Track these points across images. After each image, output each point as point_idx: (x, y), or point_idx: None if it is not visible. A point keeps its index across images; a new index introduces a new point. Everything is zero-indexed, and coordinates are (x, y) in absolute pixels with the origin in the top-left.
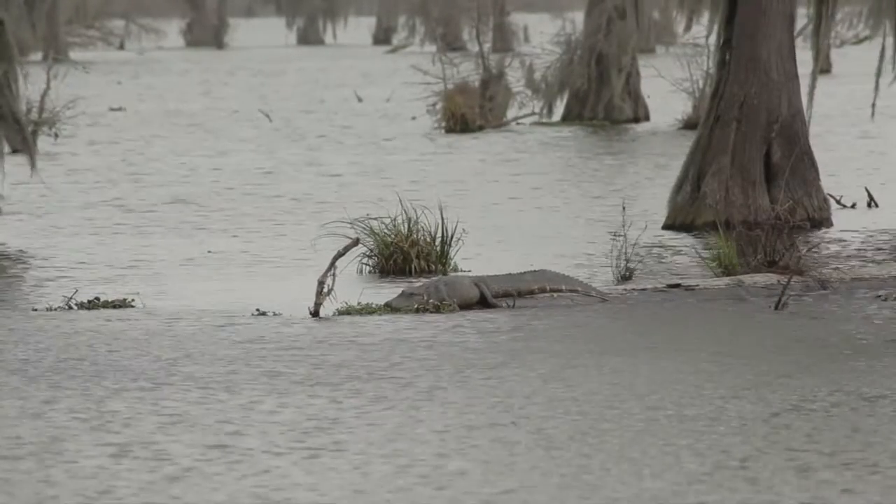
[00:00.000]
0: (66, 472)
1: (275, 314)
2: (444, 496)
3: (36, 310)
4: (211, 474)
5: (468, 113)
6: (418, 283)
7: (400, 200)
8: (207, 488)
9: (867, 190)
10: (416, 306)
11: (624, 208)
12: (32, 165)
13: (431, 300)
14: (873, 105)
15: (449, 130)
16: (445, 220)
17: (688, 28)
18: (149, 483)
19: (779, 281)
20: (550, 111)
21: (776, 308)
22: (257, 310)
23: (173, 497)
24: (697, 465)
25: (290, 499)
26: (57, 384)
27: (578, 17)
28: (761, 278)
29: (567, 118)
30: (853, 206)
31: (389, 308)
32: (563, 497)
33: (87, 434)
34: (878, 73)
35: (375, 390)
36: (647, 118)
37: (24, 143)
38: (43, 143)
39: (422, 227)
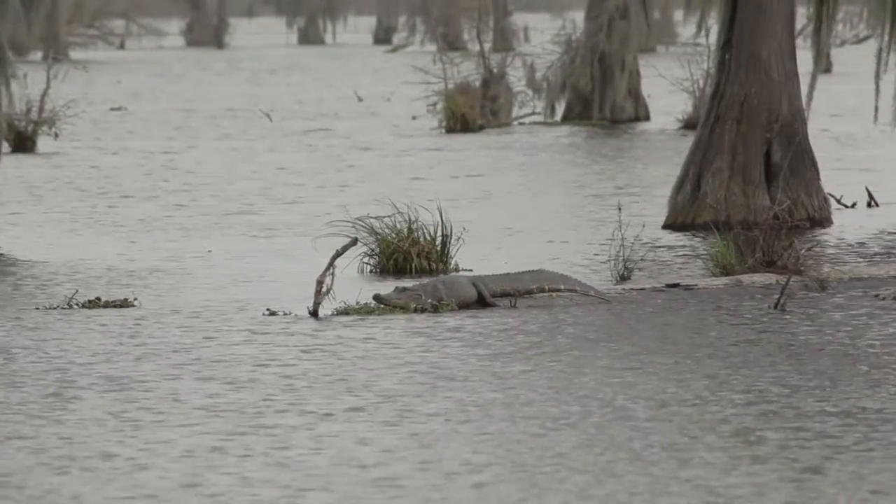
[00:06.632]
0: None
1: (284, 314)
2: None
3: (38, 309)
4: None
5: (469, 113)
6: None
7: (404, 200)
8: None
9: (867, 190)
10: (413, 306)
11: (619, 209)
12: None
13: (430, 300)
14: (876, 108)
15: (449, 130)
16: (446, 220)
17: (707, 33)
18: None
19: (777, 281)
20: (553, 111)
21: (775, 308)
22: (267, 310)
23: None
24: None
25: None
26: None
27: (579, 16)
28: (760, 278)
29: (568, 118)
30: (853, 205)
31: (379, 299)
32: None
33: None
34: (878, 76)
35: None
36: (647, 118)
37: None
38: (43, 142)
39: (422, 227)
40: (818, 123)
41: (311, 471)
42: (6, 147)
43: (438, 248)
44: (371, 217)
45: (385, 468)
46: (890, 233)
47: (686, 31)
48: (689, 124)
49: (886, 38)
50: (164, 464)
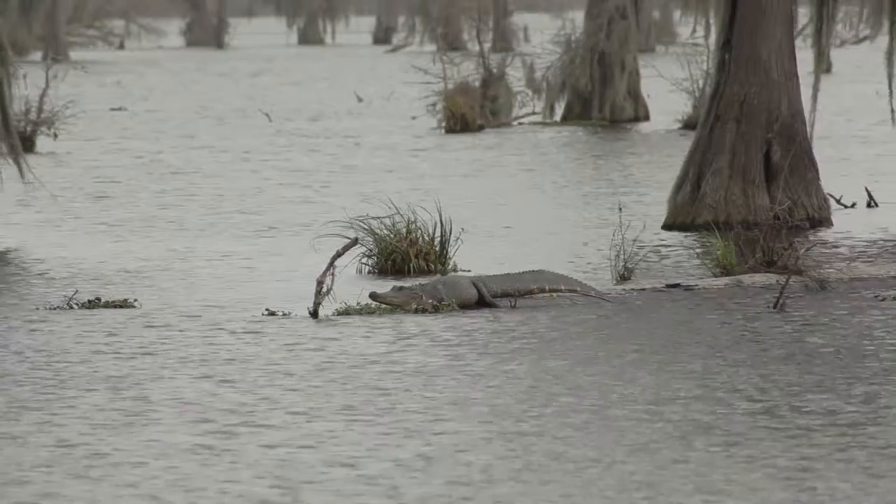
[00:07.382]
0: None
1: (283, 314)
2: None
3: (38, 309)
4: None
5: (468, 113)
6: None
7: (406, 201)
8: None
9: (867, 190)
10: (414, 306)
11: (620, 209)
12: (21, 173)
13: (430, 300)
14: (893, 110)
15: (449, 130)
16: (444, 220)
17: (707, 33)
18: None
19: (777, 281)
20: (552, 111)
21: (775, 308)
22: (267, 310)
23: None
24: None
25: None
26: None
27: (579, 16)
28: (760, 278)
29: (567, 118)
30: (853, 205)
31: (375, 297)
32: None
33: None
34: (890, 77)
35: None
36: (647, 118)
37: (11, 151)
38: (42, 142)
39: (421, 227)
40: (817, 123)
41: (305, 469)
42: (5, 148)
43: (437, 249)
44: (370, 217)
45: (377, 467)
46: (890, 233)
47: (686, 31)
48: (688, 124)
49: (888, 38)
50: (160, 463)
